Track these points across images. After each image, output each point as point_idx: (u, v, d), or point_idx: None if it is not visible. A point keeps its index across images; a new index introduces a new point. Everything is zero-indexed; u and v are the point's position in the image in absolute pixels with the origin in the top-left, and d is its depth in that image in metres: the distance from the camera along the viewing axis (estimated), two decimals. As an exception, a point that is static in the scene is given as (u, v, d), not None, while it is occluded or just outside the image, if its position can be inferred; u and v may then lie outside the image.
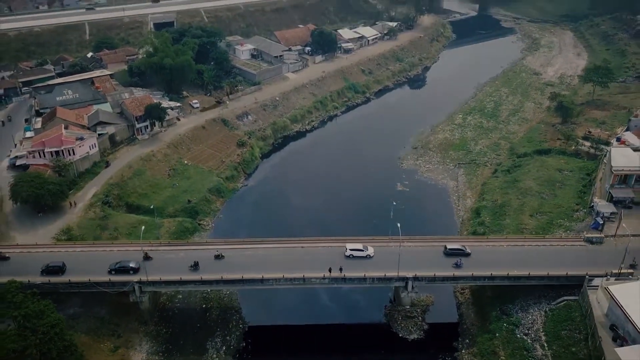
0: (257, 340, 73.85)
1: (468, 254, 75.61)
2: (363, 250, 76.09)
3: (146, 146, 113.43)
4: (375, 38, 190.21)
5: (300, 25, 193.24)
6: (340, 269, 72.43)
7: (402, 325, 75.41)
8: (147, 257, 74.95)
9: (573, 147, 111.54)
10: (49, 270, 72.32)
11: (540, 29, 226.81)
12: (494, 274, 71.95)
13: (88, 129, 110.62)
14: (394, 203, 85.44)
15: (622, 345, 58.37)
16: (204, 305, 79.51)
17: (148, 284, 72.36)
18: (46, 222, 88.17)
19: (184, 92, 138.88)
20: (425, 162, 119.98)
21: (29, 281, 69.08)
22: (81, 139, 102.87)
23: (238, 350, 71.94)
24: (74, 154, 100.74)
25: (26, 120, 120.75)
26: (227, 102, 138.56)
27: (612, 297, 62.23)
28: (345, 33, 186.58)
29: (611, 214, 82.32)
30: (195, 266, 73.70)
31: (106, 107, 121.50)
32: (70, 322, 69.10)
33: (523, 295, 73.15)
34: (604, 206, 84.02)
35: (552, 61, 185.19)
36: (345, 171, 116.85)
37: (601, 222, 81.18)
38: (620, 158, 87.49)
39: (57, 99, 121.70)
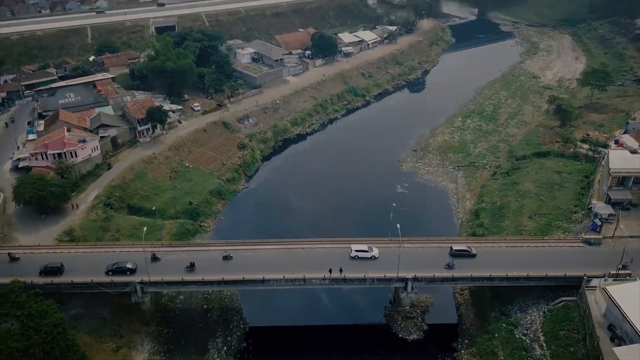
0: (258, 341, 74.38)
1: (474, 255, 75.91)
2: (368, 251, 76.34)
3: (148, 149, 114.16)
4: (375, 42, 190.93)
5: (301, 29, 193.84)
6: (340, 270, 72.90)
7: (402, 325, 75.91)
8: (154, 258, 75.61)
9: (571, 150, 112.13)
10: (48, 271, 72.71)
11: (539, 33, 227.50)
12: (493, 275, 72.47)
13: (90, 131, 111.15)
14: (394, 205, 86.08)
15: (619, 345, 58.98)
16: (205, 306, 80.00)
17: (150, 285, 72.90)
18: (49, 223, 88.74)
19: (185, 95, 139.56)
20: (424, 165, 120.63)
21: (31, 281, 69.52)
22: (83, 141, 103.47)
23: (239, 350, 72.45)
24: (76, 156, 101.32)
25: (29, 123, 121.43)
26: (228, 105, 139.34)
27: (610, 298, 62.86)
28: (346, 37, 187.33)
29: (609, 215, 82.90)
30: (191, 267, 74.17)
31: (108, 110, 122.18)
32: (73, 322, 69.56)
33: (522, 296, 73.66)
34: (602, 208, 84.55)
35: (550, 65, 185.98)
36: (345, 173, 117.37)
37: (599, 223, 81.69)
38: (618, 160, 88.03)
39: (60, 101, 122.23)
